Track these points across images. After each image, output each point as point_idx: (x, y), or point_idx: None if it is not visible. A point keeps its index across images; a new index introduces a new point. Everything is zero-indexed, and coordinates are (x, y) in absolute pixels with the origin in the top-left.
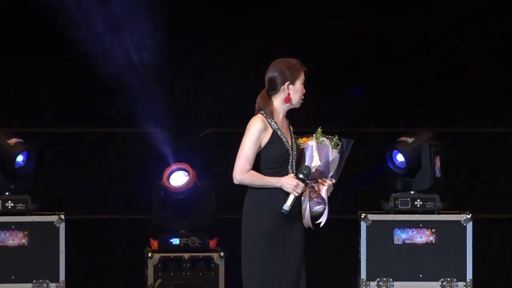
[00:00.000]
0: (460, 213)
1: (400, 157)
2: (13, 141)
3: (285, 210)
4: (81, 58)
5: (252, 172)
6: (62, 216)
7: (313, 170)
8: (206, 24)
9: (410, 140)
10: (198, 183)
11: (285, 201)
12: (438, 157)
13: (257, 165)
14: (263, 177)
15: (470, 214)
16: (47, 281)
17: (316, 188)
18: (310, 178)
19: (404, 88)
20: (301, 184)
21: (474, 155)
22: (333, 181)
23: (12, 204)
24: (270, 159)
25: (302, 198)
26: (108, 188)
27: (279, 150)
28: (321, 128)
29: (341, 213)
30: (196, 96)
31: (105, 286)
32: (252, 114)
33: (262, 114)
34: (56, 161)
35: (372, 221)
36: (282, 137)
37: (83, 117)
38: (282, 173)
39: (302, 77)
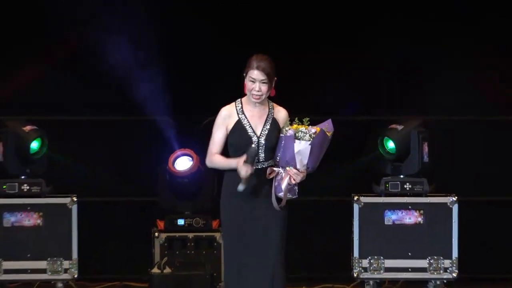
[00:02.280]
0: (447, 196)
1: (390, 144)
2: (27, 128)
3: (239, 188)
4: (93, 51)
5: (218, 156)
6: (74, 198)
7: (273, 158)
8: (209, 16)
9: (399, 127)
10: (201, 168)
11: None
12: (426, 143)
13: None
14: (227, 160)
15: (456, 197)
16: (61, 258)
17: (284, 175)
18: (280, 163)
19: (395, 79)
20: (243, 166)
21: (460, 141)
22: (298, 171)
23: (28, 187)
24: (233, 144)
25: (274, 182)
26: (117, 171)
27: (240, 137)
28: (297, 119)
29: (335, 196)
30: (200, 87)
31: (114, 264)
32: None
33: (235, 103)
34: (69, 147)
35: (364, 203)
36: (246, 125)
37: (94, 105)
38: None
39: (249, 75)
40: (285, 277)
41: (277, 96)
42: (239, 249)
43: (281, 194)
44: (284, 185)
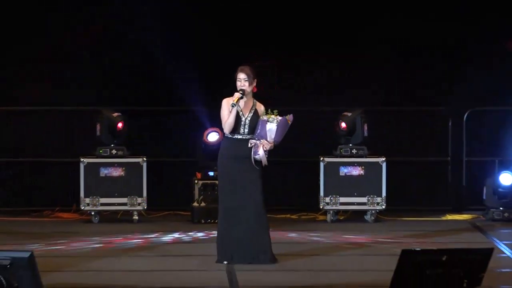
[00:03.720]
0: (378, 157)
1: (343, 124)
2: (115, 114)
3: (232, 104)
4: (150, 59)
5: (224, 120)
6: (144, 159)
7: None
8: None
9: (349, 114)
10: None
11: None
12: (366, 124)
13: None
14: (229, 114)
15: (384, 158)
16: (136, 196)
17: (259, 144)
18: (257, 137)
19: (347, 81)
20: (236, 93)
21: (386, 123)
22: (268, 142)
23: (115, 151)
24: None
25: (253, 149)
26: (172, 141)
27: (236, 117)
28: (270, 110)
29: (309, 157)
30: (224, 85)
31: (169, 200)
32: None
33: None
34: (141, 126)
35: (327, 162)
36: (239, 111)
37: (152, 99)
38: (236, 129)
39: (237, 77)
40: (266, 212)
41: (277, 93)
42: (229, 196)
43: (257, 157)
44: (260, 151)
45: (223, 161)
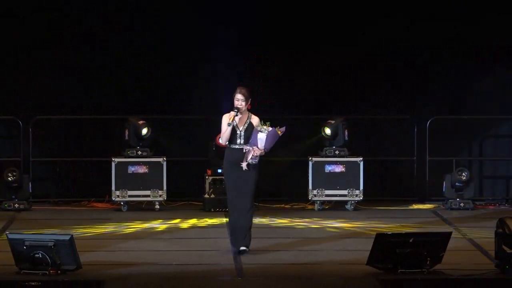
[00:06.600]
0: (357, 157)
1: (327, 130)
2: (140, 122)
3: (228, 123)
4: (171, 76)
5: (222, 132)
6: (164, 158)
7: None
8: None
9: (333, 121)
10: None
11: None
12: (346, 130)
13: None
14: (225, 129)
15: (362, 157)
16: (157, 189)
17: (251, 150)
18: (250, 144)
19: (332, 94)
20: (231, 112)
21: (363, 129)
22: (259, 148)
23: (140, 152)
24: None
25: (246, 154)
26: (187, 143)
27: (232, 129)
28: (263, 122)
29: (300, 157)
30: (230, 99)
31: (185, 191)
32: (259, 107)
33: (230, 114)
34: (161, 131)
35: (315, 161)
36: (235, 124)
37: (171, 108)
38: (233, 140)
39: (235, 97)
40: (253, 204)
41: (276, 95)
42: (232, 191)
43: (249, 160)
44: (250, 155)
45: (225, 166)
